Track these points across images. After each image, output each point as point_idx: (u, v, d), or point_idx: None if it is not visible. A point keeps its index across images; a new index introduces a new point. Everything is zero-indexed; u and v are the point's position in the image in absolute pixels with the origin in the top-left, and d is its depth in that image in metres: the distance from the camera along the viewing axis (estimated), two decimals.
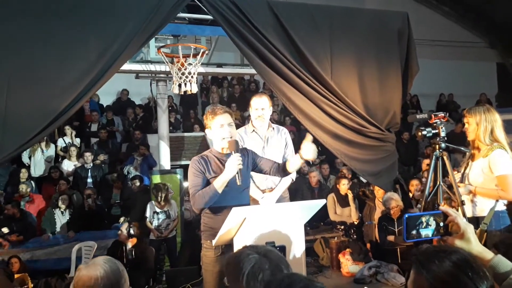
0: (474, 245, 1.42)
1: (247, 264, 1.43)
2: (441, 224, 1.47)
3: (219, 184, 2.59)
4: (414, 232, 1.45)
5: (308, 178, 6.84)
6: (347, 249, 4.87)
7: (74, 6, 3.43)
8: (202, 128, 9.70)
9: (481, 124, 2.95)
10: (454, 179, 2.93)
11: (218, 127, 2.74)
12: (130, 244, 4.90)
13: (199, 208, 2.75)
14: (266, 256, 1.48)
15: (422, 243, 3.14)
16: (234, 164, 2.56)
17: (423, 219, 1.46)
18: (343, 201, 6.01)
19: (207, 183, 2.69)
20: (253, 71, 5.22)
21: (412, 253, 1.35)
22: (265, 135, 3.60)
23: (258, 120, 3.54)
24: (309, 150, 2.66)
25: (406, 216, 1.46)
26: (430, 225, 1.46)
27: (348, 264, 4.73)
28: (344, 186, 5.98)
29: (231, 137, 2.72)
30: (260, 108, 3.54)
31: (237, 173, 2.57)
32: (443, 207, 1.57)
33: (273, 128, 3.66)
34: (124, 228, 4.97)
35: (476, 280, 1.14)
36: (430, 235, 1.47)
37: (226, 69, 6.18)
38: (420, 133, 2.98)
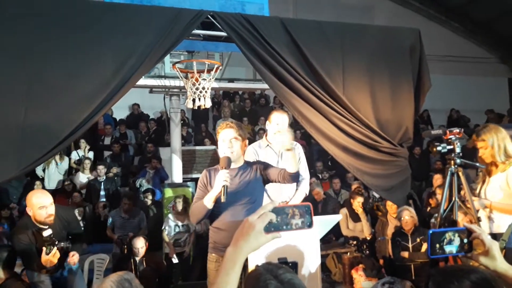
0: (499, 262, 1.40)
1: None
2: (465, 240, 1.47)
3: (207, 199, 2.63)
4: (438, 248, 1.45)
5: (313, 193, 6.82)
6: (360, 265, 4.83)
7: (91, 20, 3.50)
8: (213, 141, 9.76)
9: (495, 146, 2.95)
10: (470, 195, 2.92)
11: (221, 142, 2.81)
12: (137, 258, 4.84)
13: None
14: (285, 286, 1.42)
15: (438, 261, 3.11)
16: (219, 180, 2.55)
17: (447, 235, 1.46)
18: (355, 216, 5.97)
19: None
20: (265, 86, 5.27)
21: (430, 274, 1.35)
22: (279, 150, 3.62)
23: (277, 135, 3.55)
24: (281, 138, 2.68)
25: (431, 232, 1.46)
26: (454, 242, 1.47)
27: (361, 280, 4.69)
28: (358, 203, 5.96)
29: (225, 153, 2.74)
30: (281, 124, 3.56)
31: (223, 189, 2.53)
32: (467, 223, 1.56)
33: None
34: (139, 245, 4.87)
35: None
36: (454, 251, 1.47)
37: (238, 84, 6.25)
38: (435, 149, 2.98)
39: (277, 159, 3.60)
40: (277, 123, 3.56)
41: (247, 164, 2.92)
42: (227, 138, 2.78)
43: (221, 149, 2.79)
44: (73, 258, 3.41)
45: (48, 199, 3.41)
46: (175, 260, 5.41)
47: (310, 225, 1.29)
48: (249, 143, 3.44)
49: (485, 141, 2.98)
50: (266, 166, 2.94)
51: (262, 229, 1.24)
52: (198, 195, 2.77)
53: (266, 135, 3.70)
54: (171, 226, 5.78)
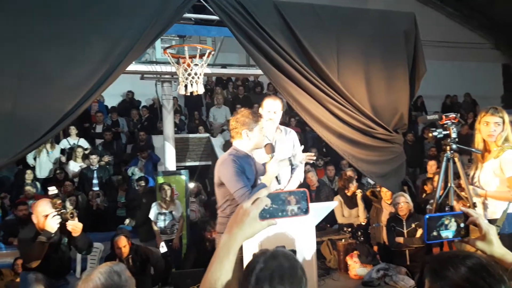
0: (496, 247, 1.38)
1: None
2: (462, 225, 1.44)
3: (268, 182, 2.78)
4: (434, 233, 1.42)
5: (307, 179, 6.82)
6: (355, 252, 4.83)
7: (79, 6, 3.42)
8: (207, 129, 9.70)
9: (506, 126, 2.91)
10: (466, 181, 2.90)
11: (259, 130, 2.92)
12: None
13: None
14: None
15: (433, 246, 3.11)
16: (275, 166, 2.82)
17: (444, 220, 1.43)
18: (350, 202, 5.97)
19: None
20: (258, 71, 5.20)
21: (425, 261, 1.33)
22: (273, 137, 3.57)
23: (269, 122, 3.51)
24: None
25: (427, 217, 1.43)
26: (451, 226, 1.43)
27: (356, 267, 4.68)
28: (352, 188, 5.98)
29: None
30: (272, 111, 3.50)
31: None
32: (464, 208, 1.53)
33: (281, 130, 3.64)
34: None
35: (493, 283, 1.12)
36: (451, 236, 1.44)
37: (231, 69, 6.16)
38: (430, 134, 2.95)
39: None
40: (268, 110, 3.51)
41: (246, 157, 3.01)
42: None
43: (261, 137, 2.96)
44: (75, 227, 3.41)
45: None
46: (163, 249, 5.37)
47: (306, 211, 1.24)
48: None
49: (502, 118, 2.93)
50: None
51: (257, 216, 1.20)
52: (242, 183, 2.68)
53: None
54: (154, 214, 5.74)
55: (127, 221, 6.46)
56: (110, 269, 1.59)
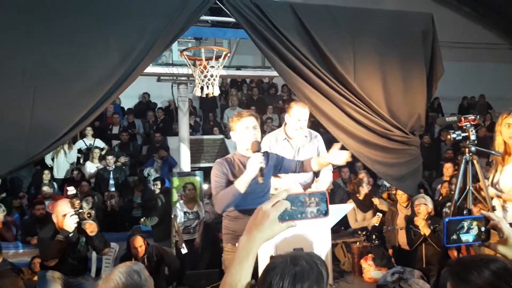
0: None
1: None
2: (482, 229, 1.42)
3: (240, 183, 2.59)
4: (454, 236, 1.40)
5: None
6: (369, 255, 4.79)
7: (96, 8, 3.43)
8: (221, 130, 9.73)
9: None
10: (485, 184, 2.85)
11: (244, 129, 2.76)
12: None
13: (221, 209, 2.77)
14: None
15: (450, 250, 3.05)
16: (255, 162, 2.55)
17: (464, 223, 1.41)
18: (363, 205, 5.92)
19: (230, 185, 2.69)
20: (273, 73, 5.19)
21: (446, 264, 1.31)
22: (297, 145, 3.52)
23: (298, 131, 3.44)
24: (340, 157, 2.67)
25: (447, 220, 1.41)
26: (471, 230, 1.41)
27: (370, 270, 4.65)
28: (363, 191, 5.94)
29: (254, 138, 2.74)
30: (303, 119, 3.43)
31: (260, 171, 2.56)
32: (485, 211, 1.51)
33: (306, 136, 3.57)
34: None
35: None
36: (471, 240, 1.42)
37: (246, 71, 6.18)
38: (449, 136, 2.91)
39: (293, 154, 3.50)
40: (299, 119, 3.42)
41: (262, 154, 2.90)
42: (251, 125, 2.77)
43: (246, 135, 2.76)
44: (91, 227, 3.50)
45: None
46: (184, 250, 5.39)
47: (326, 213, 1.23)
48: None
49: None
50: (281, 159, 2.99)
51: (276, 218, 1.19)
52: (219, 184, 2.72)
53: (285, 127, 3.56)
54: (180, 214, 5.77)
55: (142, 220, 6.51)
56: (130, 268, 1.61)
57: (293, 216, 1.21)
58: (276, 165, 2.95)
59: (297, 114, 3.42)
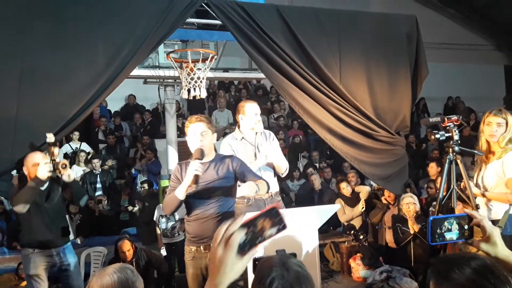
0: (500, 248, 1.39)
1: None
2: (466, 227, 1.45)
3: (179, 190, 2.65)
4: (438, 235, 1.43)
5: (310, 182, 6.90)
6: (358, 254, 4.82)
7: (81, 10, 3.44)
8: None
9: (509, 128, 2.91)
10: (468, 183, 2.90)
11: (192, 136, 2.79)
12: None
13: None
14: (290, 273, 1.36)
15: (437, 249, 3.10)
16: (191, 170, 2.57)
17: (448, 222, 1.44)
18: (350, 201, 6.00)
19: None
20: (261, 75, 5.21)
21: (429, 263, 1.33)
22: (254, 142, 3.52)
23: (258, 125, 3.46)
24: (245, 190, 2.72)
25: (431, 218, 1.44)
26: (455, 228, 1.44)
27: (359, 269, 4.68)
28: (345, 189, 6.06)
29: (197, 145, 2.74)
30: (258, 113, 3.46)
31: (193, 178, 2.57)
32: (468, 210, 1.54)
33: (261, 133, 3.57)
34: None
35: (498, 285, 1.12)
36: (455, 238, 1.45)
37: (234, 73, 6.19)
38: (433, 136, 2.96)
39: (254, 150, 3.47)
40: (256, 113, 3.44)
41: (219, 158, 2.89)
42: (198, 132, 2.77)
43: (192, 142, 2.78)
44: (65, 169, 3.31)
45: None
46: (163, 252, 5.39)
47: (284, 227, 1.12)
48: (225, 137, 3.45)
49: (506, 119, 2.93)
50: (242, 168, 2.85)
51: (234, 257, 1.09)
52: (171, 187, 2.81)
53: (239, 127, 3.54)
54: (157, 217, 5.72)
55: (130, 207, 6.48)
56: (123, 265, 1.69)
57: (252, 243, 1.11)
58: (238, 174, 2.86)
59: (253, 110, 3.44)
